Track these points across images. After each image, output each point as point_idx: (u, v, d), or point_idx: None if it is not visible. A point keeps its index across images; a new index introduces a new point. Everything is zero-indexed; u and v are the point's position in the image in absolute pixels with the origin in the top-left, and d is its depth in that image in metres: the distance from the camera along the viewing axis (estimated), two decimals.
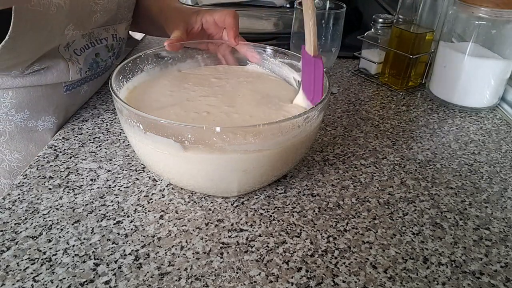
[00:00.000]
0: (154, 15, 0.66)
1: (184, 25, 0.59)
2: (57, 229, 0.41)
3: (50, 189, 0.47)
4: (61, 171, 0.49)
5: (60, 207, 0.44)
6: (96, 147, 0.54)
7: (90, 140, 0.56)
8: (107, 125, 0.60)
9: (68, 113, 0.61)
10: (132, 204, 0.45)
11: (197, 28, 0.60)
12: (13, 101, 0.53)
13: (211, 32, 0.61)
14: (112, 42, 0.62)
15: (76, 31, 0.53)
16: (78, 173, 0.49)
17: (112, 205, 0.44)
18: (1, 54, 0.43)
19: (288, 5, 0.91)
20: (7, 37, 0.42)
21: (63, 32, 0.51)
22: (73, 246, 0.39)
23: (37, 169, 0.50)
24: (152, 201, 0.45)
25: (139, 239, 0.40)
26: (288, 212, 0.44)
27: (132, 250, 0.39)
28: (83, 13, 0.53)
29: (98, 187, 0.47)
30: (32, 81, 0.53)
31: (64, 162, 0.51)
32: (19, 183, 0.47)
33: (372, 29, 0.78)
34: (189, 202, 0.45)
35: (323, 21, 0.72)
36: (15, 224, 0.41)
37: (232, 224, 0.43)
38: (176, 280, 0.36)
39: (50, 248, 0.39)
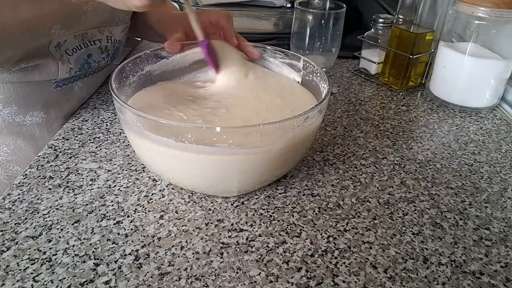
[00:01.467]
0: (153, 25, 0.67)
1: (182, 29, 0.59)
2: (57, 229, 0.41)
3: (50, 189, 0.47)
4: (61, 171, 0.49)
5: (60, 207, 0.44)
6: (96, 147, 0.54)
7: (90, 140, 0.56)
8: (107, 125, 0.60)
9: (62, 109, 0.61)
10: (132, 204, 0.45)
11: None
12: (0, 96, 0.54)
13: (209, 32, 0.61)
14: (107, 44, 0.61)
15: (64, 31, 0.53)
16: (78, 173, 0.49)
17: (112, 205, 0.44)
18: None
19: (288, 5, 0.90)
20: None
21: (49, 31, 0.51)
22: (73, 246, 0.39)
23: (37, 169, 0.50)
24: (152, 201, 0.45)
25: (139, 239, 0.40)
26: (288, 212, 0.44)
27: (132, 250, 0.39)
28: (73, 13, 0.53)
29: (98, 187, 0.47)
30: (20, 77, 0.53)
31: (64, 162, 0.51)
32: (19, 183, 0.47)
33: (372, 29, 0.78)
34: (189, 202, 0.45)
35: (323, 21, 0.72)
36: (15, 224, 0.41)
37: (232, 224, 0.43)
38: (176, 280, 0.36)
39: (50, 248, 0.39)
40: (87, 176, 0.49)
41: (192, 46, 0.57)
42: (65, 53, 0.55)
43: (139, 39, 0.98)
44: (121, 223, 0.42)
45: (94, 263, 0.37)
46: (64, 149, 0.54)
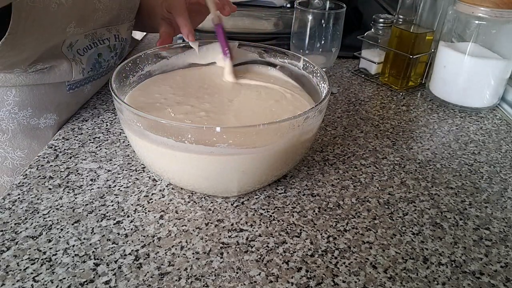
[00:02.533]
0: (144, 18, 0.67)
1: (160, 20, 0.60)
2: (57, 229, 0.41)
3: (50, 189, 0.47)
4: (61, 171, 0.49)
5: (60, 207, 0.44)
6: (96, 147, 0.54)
7: (90, 140, 0.56)
8: (107, 125, 0.60)
9: (71, 111, 0.61)
10: (132, 204, 0.45)
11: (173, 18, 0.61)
12: (16, 99, 0.54)
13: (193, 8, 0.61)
14: (115, 43, 0.62)
15: (77, 29, 0.53)
16: (78, 173, 0.49)
17: (112, 205, 0.44)
18: (2, 50, 0.44)
19: (288, 5, 0.90)
20: (7, 34, 0.42)
21: (65, 30, 0.51)
22: (73, 246, 0.39)
23: (37, 169, 0.50)
24: (152, 201, 0.45)
25: (139, 239, 0.40)
26: (288, 212, 0.44)
27: (132, 250, 0.39)
28: (86, 11, 0.53)
29: (98, 187, 0.47)
30: (35, 80, 0.53)
31: (64, 162, 0.51)
32: (19, 183, 0.47)
33: (372, 29, 0.78)
34: (189, 202, 0.45)
35: (323, 21, 0.72)
36: (15, 224, 0.41)
37: (232, 224, 0.43)
38: (176, 280, 0.36)
39: (50, 248, 0.39)
40: (87, 176, 0.49)
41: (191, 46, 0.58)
42: (77, 53, 0.56)
43: (139, 39, 0.98)
44: (121, 223, 0.42)
45: (94, 263, 0.37)
46: (64, 149, 0.54)
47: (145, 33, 1.00)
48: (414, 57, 0.70)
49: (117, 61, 0.66)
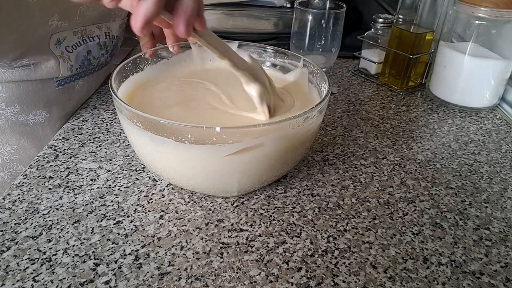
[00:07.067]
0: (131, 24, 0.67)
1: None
2: (57, 229, 0.41)
3: (50, 189, 0.47)
4: (61, 171, 0.49)
5: (60, 207, 0.44)
6: (96, 147, 0.54)
7: (90, 140, 0.56)
8: (107, 125, 0.60)
9: (64, 108, 0.61)
10: (132, 204, 0.45)
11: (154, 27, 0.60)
12: (3, 95, 0.54)
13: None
14: (105, 40, 0.61)
15: (61, 23, 0.53)
16: (78, 173, 0.49)
17: (112, 205, 0.44)
18: None
19: (288, 5, 0.91)
20: None
21: (47, 23, 0.51)
22: (73, 246, 0.39)
23: (37, 169, 0.50)
24: (152, 201, 0.45)
25: (139, 239, 0.40)
26: (288, 212, 0.44)
27: (132, 250, 0.39)
28: (69, 3, 0.53)
29: (98, 187, 0.47)
30: (21, 76, 0.53)
31: (64, 162, 0.51)
32: (19, 183, 0.47)
33: (372, 29, 0.78)
34: (189, 202, 0.45)
35: (323, 21, 0.72)
36: (15, 224, 0.41)
37: (232, 224, 0.43)
38: (176, 280, 0.36)
39: (50, 248, 0.39)
40: (87, 176, 0.49)
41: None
42: (65, 50, 0.55)
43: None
44: (121, 223, 0.42)
45: (94, 263, 0.37)
46: (64, 149, 0.54)
47: None
48: (414, 57, 0.70)
49: (108, 58, 0.65)
